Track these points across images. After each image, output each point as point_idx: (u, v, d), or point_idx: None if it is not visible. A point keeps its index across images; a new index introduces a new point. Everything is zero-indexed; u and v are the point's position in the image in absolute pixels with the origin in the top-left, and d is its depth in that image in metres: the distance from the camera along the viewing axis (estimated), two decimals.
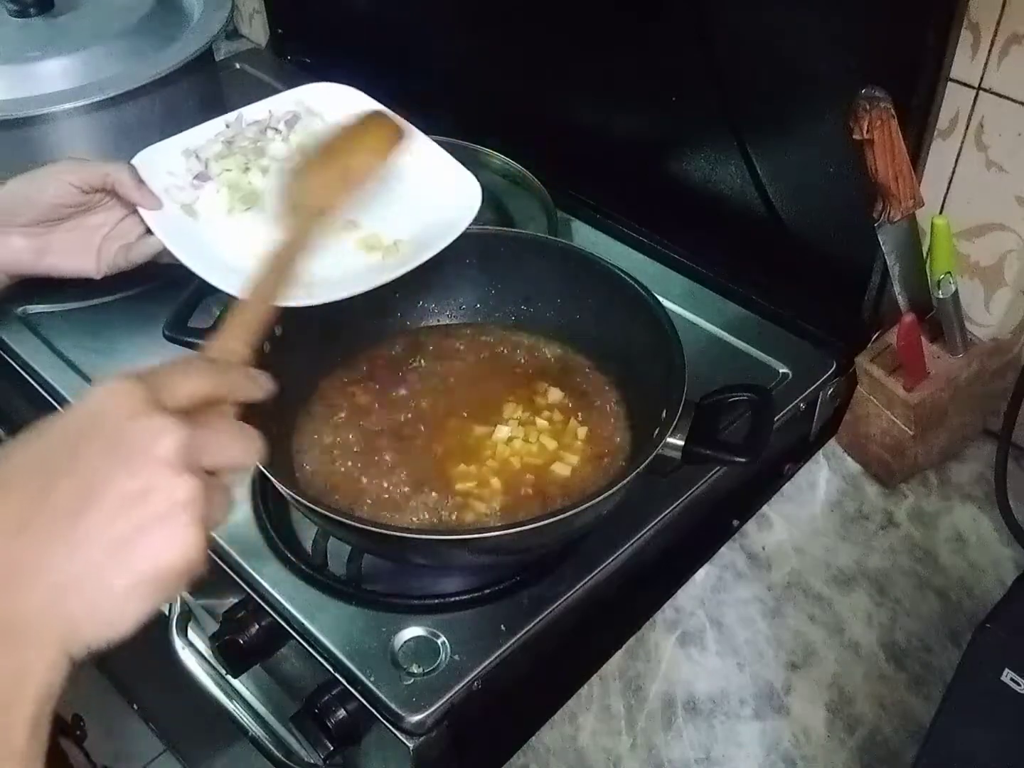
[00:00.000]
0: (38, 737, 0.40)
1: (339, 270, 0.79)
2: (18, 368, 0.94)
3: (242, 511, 0.79)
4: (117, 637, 0.42)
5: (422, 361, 0.87)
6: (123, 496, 0.42)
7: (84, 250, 0.85)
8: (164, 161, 0.86)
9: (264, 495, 0.80)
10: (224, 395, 0.49)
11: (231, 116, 0.91)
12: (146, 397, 0.43)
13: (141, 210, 0.82)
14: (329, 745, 0.72)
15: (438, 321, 0.90)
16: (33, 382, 0.92)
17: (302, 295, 0.72)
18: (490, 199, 1.07)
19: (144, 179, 0.82)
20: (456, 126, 1.12)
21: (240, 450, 0.48)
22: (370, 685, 0.68)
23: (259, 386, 0.51)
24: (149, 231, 0.83)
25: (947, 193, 0.86)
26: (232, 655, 0.77)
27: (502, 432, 0.80)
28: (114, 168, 0.82)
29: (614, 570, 0.77)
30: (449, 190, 0.85)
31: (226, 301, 0.81)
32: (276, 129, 0.91)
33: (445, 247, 0.79)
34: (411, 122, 1.18)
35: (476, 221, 0.82)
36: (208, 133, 0.89)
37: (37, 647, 0.40)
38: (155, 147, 0.87)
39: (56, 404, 0.90)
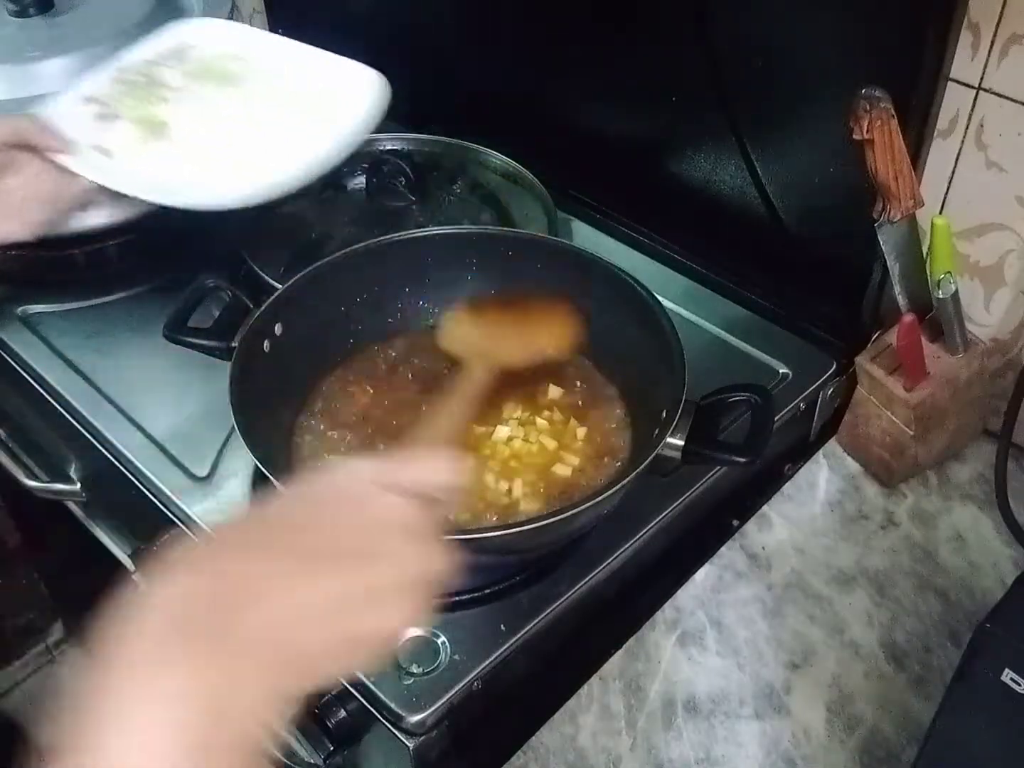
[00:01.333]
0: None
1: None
2: (18, 368, 0.94)
3: (242, 511, 0.79)
4: (322, 686, 0.45)
5: (422, 361, 0.87)
6: (360, 557, 0.45)
7: (5, 215, 0.84)
8: (68, 111, 0.87)
9: (264, 495, 0.80)
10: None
11: (120, 60, 0.94)
12: (382, 478, 0.48)
13: (59, 157, 0.82)
14: (329, 745, 0.72)
15: (436, 321, 0.90)
16: (33, 382, 0.92)
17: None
18: (490, 199, 1.07)
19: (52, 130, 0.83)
20: (456, 126, 1.12)
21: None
22: (370, 685, 0.68)
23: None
24: (70, 184, 0.83)
25: (947, 193, 0.86)
26: None
27: (502, 432, 0.80)
28: (19, 119, 0.82)
29: (614, 570, 0.77)
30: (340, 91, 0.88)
31: (226, 301, 0.82)
32: (166, 65, 0.94)
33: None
34: (411, 122, 1.19)
35: (476, 221, 0.82)
36: (102, 79, 0.91)
37: (254, 668, 0.41)
38: (55, 101, 0.88)
39: (56, 404, 0.90)
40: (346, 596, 0.44)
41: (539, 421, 0.81)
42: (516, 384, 0.84)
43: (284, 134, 0.87)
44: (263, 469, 0.68)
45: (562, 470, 0.78)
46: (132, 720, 0.38)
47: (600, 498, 0.66)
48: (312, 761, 0.76)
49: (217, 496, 0.81)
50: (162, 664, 0.39)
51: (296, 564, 0.43)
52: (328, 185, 1.09)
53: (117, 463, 0.86)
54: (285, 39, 0.96)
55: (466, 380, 0.71)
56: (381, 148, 1.11)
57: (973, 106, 0.80)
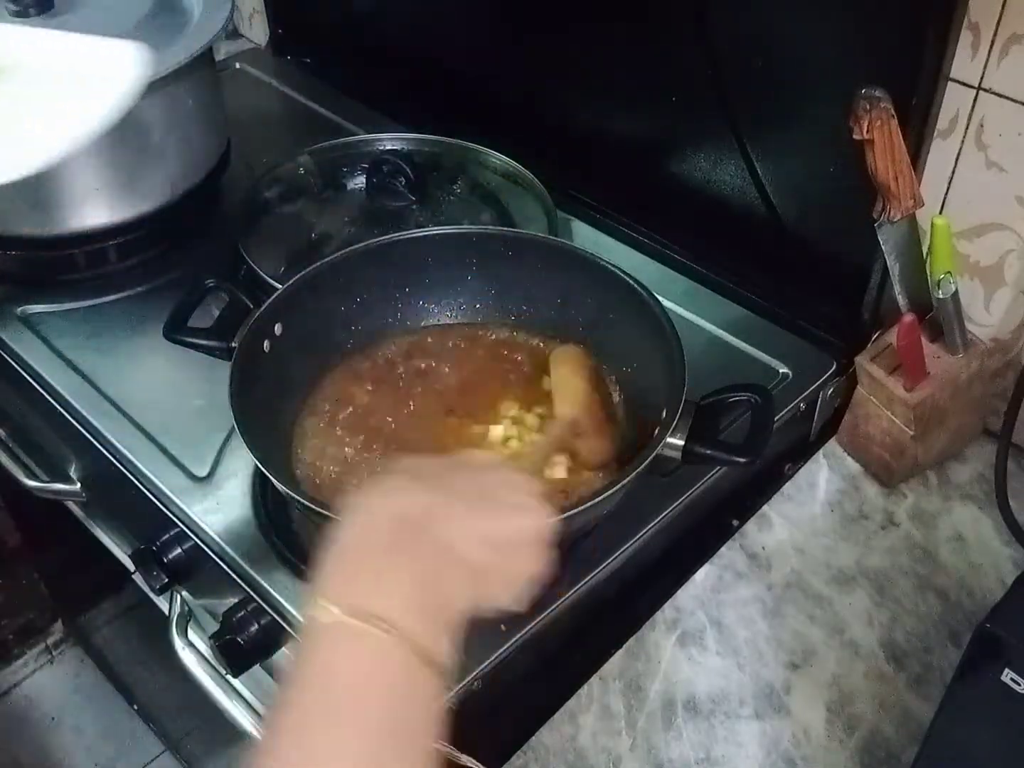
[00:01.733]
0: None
1: None
2: (18, 368, 0.94)
3: (242, 511, 0.79)
4: (491, 610, 0.53)
5: (421, 361, 0.87)
6: (501, 506, 0.54)
7: None
8: None
9: (264, 495, 0.80)
10: None
11: None
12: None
13: None
14: None
15: (438, 321, 0.90)
16: (33, 382, 0.92)
17: None
18: (490, 199, 1.07)
19: None
20: (456, 126, 1.12)
21: None
22: None
23: None
24: None
25: (947, 193, 0.86)
26: (232, 655, 0.77)
27: (496, 432, 0.80)
28: None
29: (614, 570, 0.77)
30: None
31: (226, 301, 0.82)
32: None
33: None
34: (411, 122, 1.19)
35: (476, 221, 0.82)
36: None
37: (447, 571, 0.49)
38: None
39: (56, 404, 0.90)
40: (500, 532, 0.52)
41: (528, 419, 0.81)
42: (516, 384, 0.85)
43: (43, 111, 0.85)
44: (263, 469, 0.68)
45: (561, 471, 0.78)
46: (379, 575, 0.48)
47: (600, 498, 0.66)
48: None
49: (217, 496, 0.81)
50: (387, 548, 0.49)
51: (461, 504, 0.52)
52: (328, 185, 1.09)
53: (117, 463, 0.86)
54: (47, 31, 0.93)
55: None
56: (381, 148, 1.11)
57: (973, 106, 0.80)
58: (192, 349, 0.80)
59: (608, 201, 1.08)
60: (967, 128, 0.81)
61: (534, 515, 0.54)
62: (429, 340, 0.89)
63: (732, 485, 0.86)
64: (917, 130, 0.80)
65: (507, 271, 0.87)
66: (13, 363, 0.94)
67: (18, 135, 0.83)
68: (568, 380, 0.79)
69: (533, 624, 0.72)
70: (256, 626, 0.76)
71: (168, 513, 0.82)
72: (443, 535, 0.50)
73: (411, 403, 0.83)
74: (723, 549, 0.84)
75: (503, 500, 0.54)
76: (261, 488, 0.80)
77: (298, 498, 0.68)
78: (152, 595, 0.92)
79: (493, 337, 0.88)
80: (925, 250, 0.84)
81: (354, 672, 0.45)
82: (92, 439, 0.88)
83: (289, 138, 1.25)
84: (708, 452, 0.70)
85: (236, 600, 0.78)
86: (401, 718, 0.45)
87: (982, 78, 0.79)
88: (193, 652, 0.86)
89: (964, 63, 0.79)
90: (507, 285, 0.88)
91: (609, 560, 0.76)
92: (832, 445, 0.93)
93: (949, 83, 0.80)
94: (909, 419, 0.84)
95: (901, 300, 0.85)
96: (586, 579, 0.75)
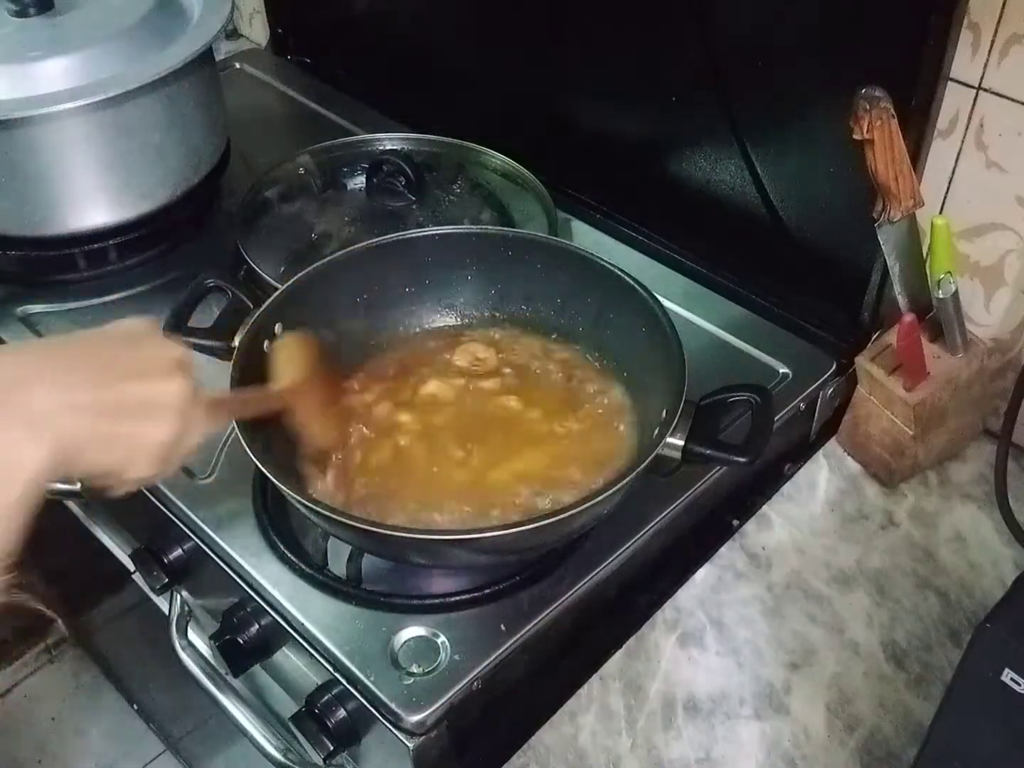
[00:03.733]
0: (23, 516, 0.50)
1: None
2: None
3: (242, 511, 0.79)
4: (84, 475, 0.55)
5: (422, 360, 0.87)
6: (134, 374, 0.56)
7: None
8: None
9: (264, 495, 0.80)
10: None
11: None
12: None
13: None
14: (329, 745, 0.72)
15: (436, 322, 0.90)
16: None
17: None
18: (490, 199, 1.07)
19: None
20: (456, 126, 1.12)
21: None
22: (370, 685, 0.68)
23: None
24: None
25: (947, 193, 0.86)
26: (232, 655, 0.77)
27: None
28: None
29: (614, 570, 0.77)
30: None
31: (226, 301, 0.82)
32: None
33: None
34: (411, 122, 1.19)
35: (476, 221, 0.82)
36: None
37: (35, 442, 0.50)
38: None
39: None
40: (117, 402, 0.54)
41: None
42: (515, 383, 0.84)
43: None
44: (263, 469, 0.68)
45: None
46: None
47: (600, 498, 0.66)
48: (312, 761, 0.77)
49: (217, 496, 0.81)
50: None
51: (82, 372, 0.55)
52: (328, 185, 1.09)
53: None
54: None
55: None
56: (381, 148, 1.11)
57: (973, 106, 0.80)
58: (192, 349, 0.80)
59: (608, 201, 1.08)
60: (967, 128, 0.82)
61: (161, 382, 0.57)
62: (427, 340, 0.88)
63: (732, 485, 0.86)
64: (917, 130, 0.80)
65: (507, 271, 0.87)
66: None
67: None
68: (284, 365, 0.76)
69: (533, 624, 0.72)
70: (256, 626, 0.76)
71: (168, 513, 0.82)
72: (43, 398, 0.52)
73: (409, 403, 0.83)
74: (723, 549, 0.84)
75: (128, 368, 0.56)
76: (261, 488, 0.80)
77: (298, 498, 0.68)
78: (152, 595, 0.92)
79: (495, 335, 0.88)
80: (925, 250, 0.84)
81: None
82: None
83: (289, 138, 1.26)
84: (708, 452, 0.70)
85: (236, 600, 0.78)
86: None
87: (982, 78, 0.79)
88: (193, 652, 0.86)
89: (964, 63, 0.79)
90: (507, 285, 0.88)
91: (609, 560, 0.76)
92: (832, 445, 0.93)
93: (949, 83, 0.80)
94: (909, 419, 0.84)
95: (901, 300, 0.85)
96: (586, 579, 0.75)
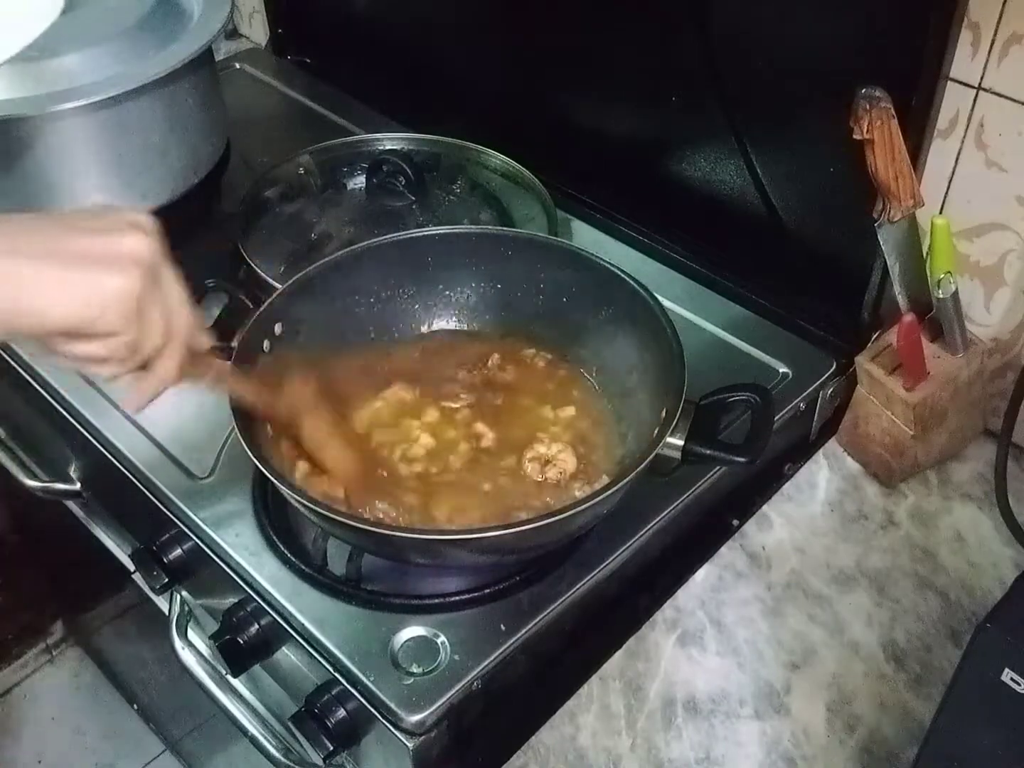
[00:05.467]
0: None
1: None
2: (18, 368, 0.94)
3: (242, 511, 0.79)
4: (50, 328, 0.55)
5: (421, 360, 0.87)
6: (91, 230, 0.56)
7: None
8: None
9: (264, 495, 0.80)
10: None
11: None
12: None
13: None
14: (329, 745, 0.72)
15: (436, 322, 0.89)
16: (33, 382, 0.92)
17: None
18: (490, 199, 1.07)
19: None
20: (456, 126, 1.12)
21: None
22: (370, 685, 0.68)
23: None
24: None
25: (947, 193, 0.86)
26: (232, 655, 0.77)
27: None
28: None
29: (614, 570, 0.77)
30: None
31: (226, 301, 0.82)
32: None
33: None
34: (411, 122, 1.19)
35: (476, 221, 0.82)
36: None
37: None
38: None
39: (56, 404, 0.90)
40: (68, 252, 0.55)
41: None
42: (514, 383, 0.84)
43: None
44: (263, 469, 0.68)
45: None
46: None
47: (600, 498, 0.66)
48: (312, 761, 0.76)
49: (217, 496, 0.81)
50: None
51: (38, 229, 0.55)
52: (328, 185, 1.09)
53: (117, 463, 0.86)
54: None
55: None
56: (381, 148, 1.11)
57: (973, 106, 0.80)
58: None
59: (608, 201, 1.08)
60: (967, 128, 0.82)
61: (120, 236, 0.56)
62: (427, 341, 0.88)
63: (732, 485, 0.86)
64: (917, 130, 0.80)
65: (507, 271, 0.87)
66: (13, 363, 0.94)
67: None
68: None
69: (533, 624, 0.72)
70: (256, 626, 0.76)
71: (168, 513, 0.82)
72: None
73: (410, 402, 0.83)
74: (723, 549, 0.84)
75: (88, 227, 0.56)
76: (261, 488, 0.80)
77: (298, 498, 0.68)
78: (152, 595, 0.92)
79: (495, 334, 0.88)
80: (925, 250, 0.84)
81: None
82: (92, 439, 0.88)
83: (289, 138, 1.25)
84: (708, 452, 0.70)
85: (236, 600, 0.78)
86: None
87: (982, 78, 0.79)
88: (193, 652, 0.86)
89: (964, 63, 0.79)
90: (507, 285, 0.88)
91: (609, 560, 0.76)
92: (832, 445, 0.93)
93: (949, 83, 0.80)
94: (909, 419, 0.84)
95: (901, 300, 0.85)
96: (586, 579, 0.75)
